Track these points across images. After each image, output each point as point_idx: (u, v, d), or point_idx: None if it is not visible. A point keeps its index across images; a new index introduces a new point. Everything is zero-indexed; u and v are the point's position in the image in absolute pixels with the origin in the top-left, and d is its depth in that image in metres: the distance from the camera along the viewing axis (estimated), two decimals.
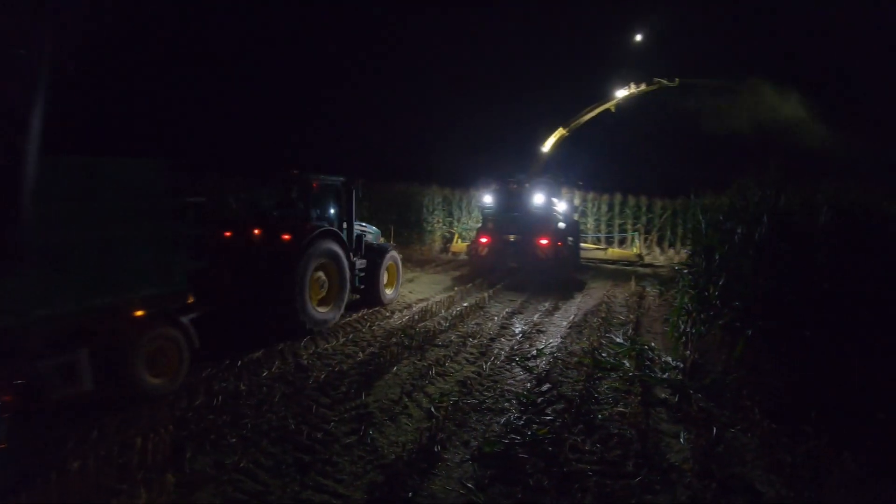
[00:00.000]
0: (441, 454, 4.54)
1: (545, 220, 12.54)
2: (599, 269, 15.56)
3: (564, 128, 16.39)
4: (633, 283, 12.72)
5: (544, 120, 17.14)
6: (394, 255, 10.45)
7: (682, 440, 4.96)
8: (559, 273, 12.56)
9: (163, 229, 5.63)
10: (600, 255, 16.79)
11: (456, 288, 11.60)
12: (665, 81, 16.54)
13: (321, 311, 8.35)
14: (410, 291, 11.66)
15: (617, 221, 19.64)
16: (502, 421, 5.27)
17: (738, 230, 6.32)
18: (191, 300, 6.05)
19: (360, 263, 9.57)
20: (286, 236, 7.96)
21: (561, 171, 15.59)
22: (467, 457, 4.55)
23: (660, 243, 19.30)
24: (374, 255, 9.91)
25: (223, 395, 5.68)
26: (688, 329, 7.09)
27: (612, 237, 19.55)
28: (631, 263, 16.17)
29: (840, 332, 4.83)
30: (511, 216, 12.74)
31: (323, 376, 6.30)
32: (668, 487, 4.16)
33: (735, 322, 5.96)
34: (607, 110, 16.95)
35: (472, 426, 5.15)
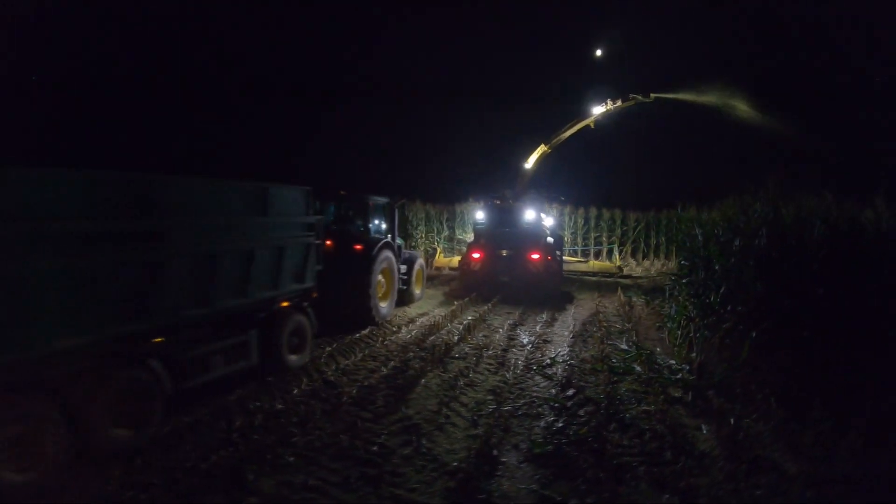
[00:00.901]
0: (499, 458, 5.01)
1: (536, 236, 13.32)
2: (583, 282, 16.49)
3: (546, 144, 17.34)
4: (619, 294, 13.64)
5: (526, 136, 18.08)
6: (421, 262, 12.68)
7: (704, 431, 5.65)
8: (549, 286, 13.32)
9: (304, 239, 7.50)
10: (582, 267, 17.74)
11: (456, 302, 12.12)
12: (640, 97, 17.79)
13: (383, 306, 10.38)
14: (408, 306, 12.07)
15: (592, 234, 20.78)
16: (542, 425, 5.81)
17: (736, 242, 7.20)
18: (314, 294, 7.89)
19: (403, 268, 11.50)
20: (358, 246, 9.87)
21: (543, 187, 16.49)
22: (522, 459, 5.03)
23: (633, 255, 20.52)
24: (408, 261, 11.91)
25: (262, 415, 5.91)
26: (691, 334, 7.91)
27: (589, 249, 20.64)
28: (611, 275, 17.20)
29: (835, 330, 5.68)
30: (503, 231, 13.45)
31: (354, 391, 6.63)
32: (706, 470, 4.81)
33: (738, 325, 6.78)
34: (587, 126, 18.04)
35: (517, 431, 5.65)
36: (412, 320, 10.83)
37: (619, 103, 17.90)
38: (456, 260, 17.00)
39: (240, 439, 5.34)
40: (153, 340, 5.38)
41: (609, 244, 20.29)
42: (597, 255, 20.38)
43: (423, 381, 7.04)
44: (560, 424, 5.77)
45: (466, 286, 13.62)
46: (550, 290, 13.30)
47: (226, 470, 4.70)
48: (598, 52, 21.32)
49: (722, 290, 7.26)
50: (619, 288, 14.35)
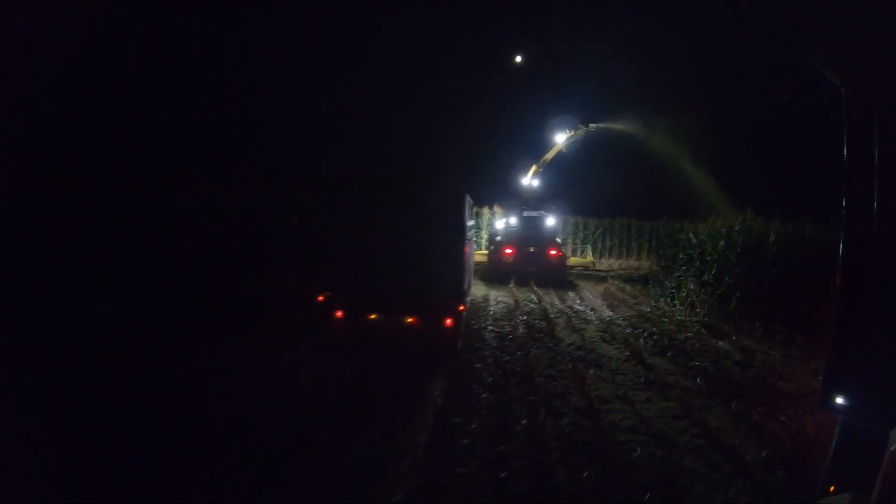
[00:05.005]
0: (642, 355, 10.09)
1: (553, 237, 18.76)
2: (572, 273, 22.26)
3: (536, 165, 22.88)
4: (609, 281, 19.55)
5: (523, 155, 23.53)
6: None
7: (722, 344, 11.27)
8: (560, 275, 18.82)
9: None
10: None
11: (510, 286, 17.11)
12: (585, 127, 23.96)
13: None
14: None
15: (560, 236, 26.73)
16: (640, 342, 11.03)
17: (721, 243, 13.10)
18: None
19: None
20: None
21: (539, 198, 21.99)
22: (650, 354, 10.18)
23: (593, 254, 26.92)
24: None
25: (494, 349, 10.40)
26: (692, 299, 13.75)
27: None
28: (587, 269, 23.22)
29: (782, 290, 11.62)
30: (529, 234, 18.71)
31: (520, 336, 11.29)
32: (732, 358, 10.34)
33: (727, 291, 12.64)
34: (561, 151, 23.84)
35: (633, 346, 10.82)
36: (485, 299, 15.58)
37: (573, 132, 23.89)
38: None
39: (508, 366, 9.77)
40: None
41: (584, 244, 26.57)
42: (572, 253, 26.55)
43: (554, 330, 11.92)
44: (651, 342, 11.04)
45: (498, 274, 18.62)
46: (561, 278, 18.81)
47: (523, 388, 9.20)
48: (518, 59, 27.57)
49: (713, 272, 13.14)
50: (609, 277, 20.35)
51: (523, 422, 6.64)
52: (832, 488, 2.64)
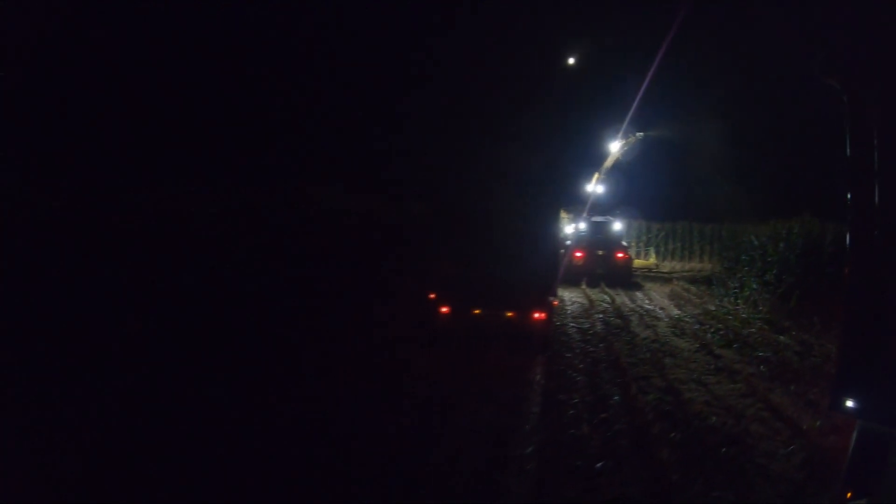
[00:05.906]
0: (711, 347, 11.49)
1: (619, 240, 20.25)
2: (635, 274, 23.52)
3: (598, 172, 24.36)
4: (674, 282, 20.75)
5: (586, 163, 25.16)
6: None
7: (782, 338, 12.46)
8: (626, 276, 20.22)
9: None
10: None
11: (582, 287, 18.69)
12: (634, 136, 25.06)
13: None
14: None
15: (624, 240, 27.97)
16: (707, 337, 12.37)
17: (781, 245, 14.22)
18: None
19: None
20: None
21: (600, 204, 23.44)
22: (718, 347, 11.56)
23: (656, 256, 28.03)
24: None
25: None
26: (754, 298, 14.92)
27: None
28: (650, 270, 24.43)
29: (839, 289, 12.65)
30: (598, 238, 20.27)
31: (599, 330, 12.90)
32: (791, 349, 11.56)
33: (787, 290, 13.77)
34: (617, 159, 25.18)
35: (702, 339, 12.19)
36: (561, 299, 17.15)
37: (626, 140, 25.02)
38: None
39: (594, 355, 11.45)
40: None
41: (647, 247, 27.85)
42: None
43: (629, 326, 13.42)
44: (717, 337, 12.37)
45: (568, 276, 20.15)
46: (627, 279, 20.20)
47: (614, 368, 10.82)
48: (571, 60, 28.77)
49: (774, 272, 14.28)
50: (673, 279, 21.54)
51: (616, 398, 8.30)
52: (849, 495, 2.53)
